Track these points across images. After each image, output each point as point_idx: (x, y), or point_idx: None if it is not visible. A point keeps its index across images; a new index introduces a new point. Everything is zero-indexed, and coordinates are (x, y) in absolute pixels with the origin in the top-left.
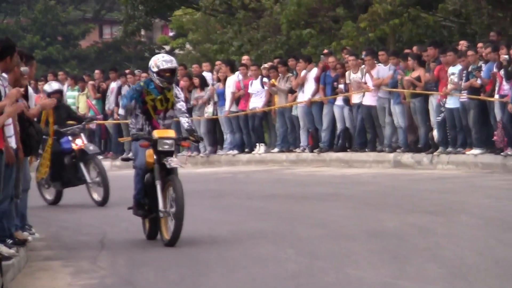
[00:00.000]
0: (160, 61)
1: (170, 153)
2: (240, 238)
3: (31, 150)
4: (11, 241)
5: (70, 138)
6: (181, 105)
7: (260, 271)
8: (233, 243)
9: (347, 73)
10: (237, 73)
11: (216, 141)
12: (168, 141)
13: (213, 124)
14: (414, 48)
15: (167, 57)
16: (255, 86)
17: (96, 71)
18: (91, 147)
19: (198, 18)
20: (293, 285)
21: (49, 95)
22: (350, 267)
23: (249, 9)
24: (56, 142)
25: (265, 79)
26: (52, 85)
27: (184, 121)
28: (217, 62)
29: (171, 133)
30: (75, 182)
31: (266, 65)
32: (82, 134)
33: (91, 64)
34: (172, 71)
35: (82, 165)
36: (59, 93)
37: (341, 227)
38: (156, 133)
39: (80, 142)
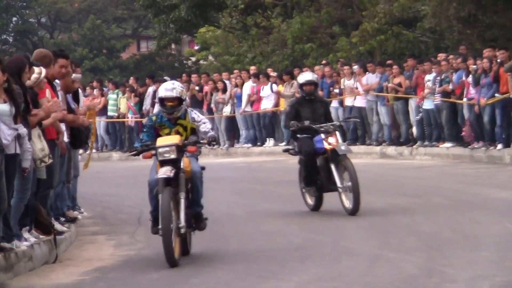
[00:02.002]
0: (162, 89)
1: (173, 161)
2: (253, 216)
3: (80, 143)
4: (63, 219)
5: (323, 136)
6: (205, 127)
7: (269, 243)
8: (247, 221)
9: (341, 80)
10: (250, 80)
11: (234, 136)
12: (165, 149)
13: (231, 122)
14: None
15: (169, 84)
16: (265, 91)
17: (131, 78)
18: (343, 147)
19: (218, 34)
20: (297, 255)
21: (301, 86)
22: (344, 240)
23: (261, 27)
24: (309, 140)
25: (274, 86)
26: (304, 76)
27: (208, 128)
28: (235, 71)
29: (173, 138)
30: (329, 187)
31: (273, 74)
32: (337, 132)
33: (130, 72)
34: (174, 99)
35: (333, 167)
36: (312, 84)
37: (337, 208)
38: (157, 141)
39: (333, 141)
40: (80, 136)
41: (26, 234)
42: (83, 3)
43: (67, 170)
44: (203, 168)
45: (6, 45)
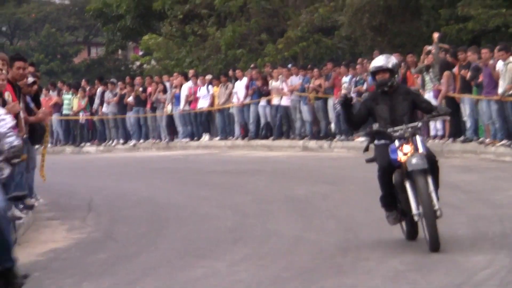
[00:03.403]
0: None
1: None
2: (191, 202)
3: (37, 140)
4: (22, 205)
5: (397, 144)
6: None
7: (205, 226)
8: (185, 206)
9: (269, 81)
10: (189, 81)
11: (173, 132)
12: None
13: (171, 119)
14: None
15: None
16: (202, 91)
17: (83, 80)
18: (415, 160)
19: (160, 41)
20: (230, 237)
21: (373, 75)
22: (271, 223)
23: (198, 34)
24: (385, 149)
25: (210, 87)
26: (375, 61)
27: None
28: (175, 74)
29: None
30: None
31: (208, 77)
32: (417, 137)
33: (82, 75)
34: None
35: (408, 186)
36: (386, 71)
37: (265, 194)
38: None
39: (408, 149)
40: (36, 133)
41: None
42: (39, 13)
43: (26, 163)
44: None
45: None
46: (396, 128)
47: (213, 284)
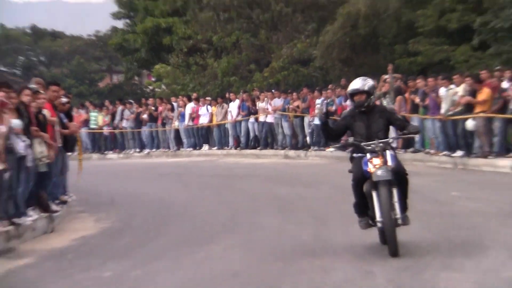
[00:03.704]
0: None
1: None
2: (193, 199)
3: (69, 148)
4: (58, 201)
5: (368, 156)
6: None
7: (205, 219)
8: (189, 202)
9: (257, 103)
10: (192, 102)
11: (180, 143)
12: None
13: (178, 132)
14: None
15: None
16: (202, 110)
17: (106, 101)
18: (380, 172)
19: (168, 70)
20: (225, 228)
21: (351, 96)
22: (258, 217)
23: (199, 64)
24: (360, 162)
25: (209, 107)
26: (352, 84)
27: None
28: (180, 96)
29: None
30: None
31: (207, 99)
32: (387, 152)
33: (105, 96)
34: None
35: (375, 196)
36: (363, 93)
37: (253, 193)
38: None
39: (378, 162)
40: (69, 143)
41: (31, 212)
42: (71, 46)
43: (61, 167)
44: None
45: (15, 77)
46: (369, 143)
47: (212, 264)
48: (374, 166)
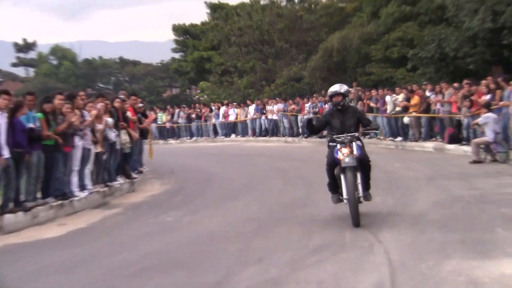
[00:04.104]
0: None
1: None
2: (224, 170)
3: (143, 137)
4: (136, 171)
5: (338, 146)
6: None
7: (232, 183)
8: (221, 172)
9: (267, 106)
10: (224, 106)
11: (216, 133)
12: None
13: (215, 126)
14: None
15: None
16: (231, 111)
17: (168, 106)
18: (347, 159)
19: (209, 85)
20: (245, 189)
21: (330, 97)
22: (267, 182)
23: (228, 81)
24: (332, 150)
25: (235, 109)
26: (332, 87)
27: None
28: (216, 102)
29: None
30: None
31: (234, 104)
32: (353, 143)
33: (167, 103)
34: None
35: (342, 178)
36: (339, 95)
37: (263, 166)
38: None
39: (345, 151)
40: (144, 134)
41: (119, 179)
42: (145, 70)
43: (139, 149)
44: None
45: (109, 91)
46: (339, 135)
47: (237, 212)
48: (343, 154)
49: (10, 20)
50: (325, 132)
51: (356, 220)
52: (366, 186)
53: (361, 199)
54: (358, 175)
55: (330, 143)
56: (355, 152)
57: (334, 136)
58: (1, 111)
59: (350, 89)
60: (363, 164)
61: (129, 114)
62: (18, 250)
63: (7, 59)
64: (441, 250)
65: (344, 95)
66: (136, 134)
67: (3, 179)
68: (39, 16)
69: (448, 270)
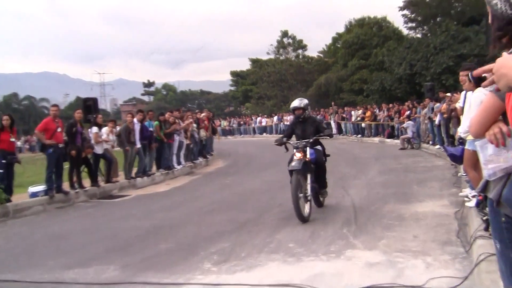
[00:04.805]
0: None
1: None
2: (257, 153)
3: (214, 133)
4: (209, 154)
5: (294, 151)
6: None
7: (262, 161)
8: (255, 154)
9: (284, 117)
10: (259, 117)
11: (254, 132)
12: None
13: (254, 128)
14: None
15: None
16: (263, 120)
17: (227, 117)
18: (294, 163)
19: (250, 105)
20: (272, 164)
21: (293, 111)
22: (284, 162)
23: (262, 103)
24: (292, 154)
25: (265, 119)
26: (293, 103)
27: None
28: (255, 115)
29: None
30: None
31: (265, 115)
32: (307, 149)
33: (227, 115)
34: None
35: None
36: (300, 109)
37: (281, 151)
38: None
39: (298, 156)
40: (215, 131)
41: (199, 158)
42: (214, 98)
43: (211, 141)
44: None
45: (193, 109)
46: (297, 141)
47: (266, 178)
48: (296, 158)
49: (142, 69)
50: (285, 139)
51: (300, 217)
52: (322, 184)
53: (309, 197)
54: (309, 177)
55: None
56: (308, 156)
57: (292, 143)
58: (137, 121)
59: (331, 107)
60: (317, 167)
61: (205, 120)
62: (144, 198)
63: (139, 91)
64: (382, 199)
65: (303, 108)
66: (208, 132)
67: (138, 158)
68: (157, 67)
69: (387, 210)
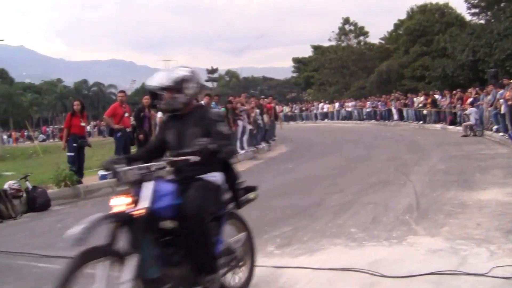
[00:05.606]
0: None
1: None
2: (319, 139)
3: (276, 119)
4: (272, 140)
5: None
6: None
7: (324, 146)
8: (317, 140)
9: (344, 104)
10: (321, 103)
11: (317, 118)
12: None
13: (316, 114)
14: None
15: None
16: (325, 106)
17: (289, 103)
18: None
19: (311, 91)
20: (334, 148)
21: None
22: (343, 148)
23: (323, 89)
24: None
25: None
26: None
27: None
28: (317, 101)
29: None
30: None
31: (327, 101)
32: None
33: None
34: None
35: None
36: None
37: (341, 137)
38: None
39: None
40: (276, 118)
41: (263, 143)
42: (276, 84)
43: (274, 127)
44: None
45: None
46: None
47: (328, 163)
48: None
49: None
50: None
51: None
52: (204, 265)
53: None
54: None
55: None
56: (145, 204)
57: (118, 170)
58: (205, 105)
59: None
60: (189, 230)
61: (274, 105)
62: None
63: (202, 78)
64: (444, 185)
65: (174, 89)
66: (271, 118)
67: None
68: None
69: (449, 197)
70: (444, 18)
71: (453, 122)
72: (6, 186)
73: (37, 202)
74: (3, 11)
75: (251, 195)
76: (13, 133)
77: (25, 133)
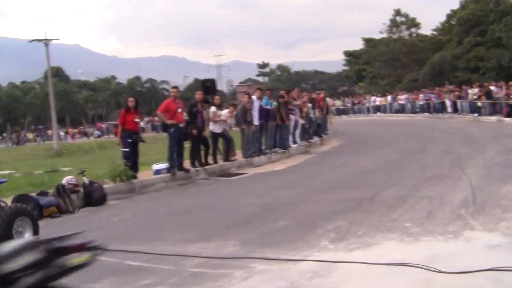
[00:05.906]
0: None
1: None
2: (372, 133)
3: (327, 113)
4: (323, 134)
5: None
6: None
7: (375, 139)
8: (369, 132)
9: (398, 97)
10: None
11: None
12: None
13: (368, 108)
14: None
15: None
16: (377, 99)
17: (341, 97)
18: None
19: (363, 85)
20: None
21: None
22: (398, 141)
23: (375, 83)
24: None
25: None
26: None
27: None
28: (369, 94)
29: None
30: None
31: (379, 95)
32: None
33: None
34: None
35: None
36: None
37: (395, 130)
38: None
39: None
40: (328, 111)
41: (314, 137)
42: (329, 78)
43: (325, 122)
44: None
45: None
46: None
47: (383, 155)
48: None
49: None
50: None
51: None
52: None
53: None
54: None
55: None
56: None
57: None
58: (256, 98)
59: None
60: None
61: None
62: (260, 176)
63: (254, 72)
64: (501, 179)
65: None
66: (321, 112)
67: (255, 137)
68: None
69: (506, 191)
70: (499, 7)
71: (509, 114)
72: (64, 181)
73: (93, 197)
74: (59, 11)
75: (75, 259)
76: (69, 130)
77: (81, 130)
